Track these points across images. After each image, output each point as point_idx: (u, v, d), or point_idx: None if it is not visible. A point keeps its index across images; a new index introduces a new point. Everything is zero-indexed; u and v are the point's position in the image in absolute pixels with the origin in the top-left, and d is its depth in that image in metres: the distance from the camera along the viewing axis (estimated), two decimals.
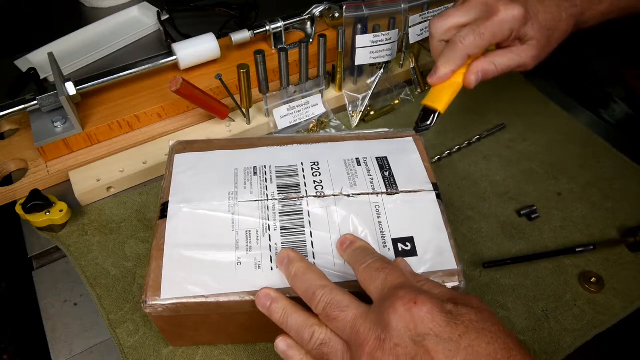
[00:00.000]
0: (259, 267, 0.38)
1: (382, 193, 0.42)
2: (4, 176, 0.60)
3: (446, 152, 0.61)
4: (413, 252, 0.39)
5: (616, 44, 0.74)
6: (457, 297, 0.32)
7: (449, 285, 0.37)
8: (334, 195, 0.42)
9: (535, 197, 0.56)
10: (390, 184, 0.43)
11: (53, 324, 0.47)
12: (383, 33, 0.61)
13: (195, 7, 0.82)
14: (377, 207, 0.41)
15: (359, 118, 0.65)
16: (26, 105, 0.57)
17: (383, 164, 0.45)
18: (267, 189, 0.42)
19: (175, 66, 0.65)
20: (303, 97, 0.63)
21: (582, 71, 0.74)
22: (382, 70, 0.65)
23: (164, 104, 0.62)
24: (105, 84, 0.61)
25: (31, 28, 0.86)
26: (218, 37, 0.66)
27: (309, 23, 0.71)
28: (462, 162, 0.60)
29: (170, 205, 0.41)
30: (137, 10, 0.83)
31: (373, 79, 0.66)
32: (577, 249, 0.50)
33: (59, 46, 0.75)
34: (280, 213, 0.41)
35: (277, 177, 0.44)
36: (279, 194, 0.42)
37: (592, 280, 0.48)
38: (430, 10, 0.64)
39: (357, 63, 0.63)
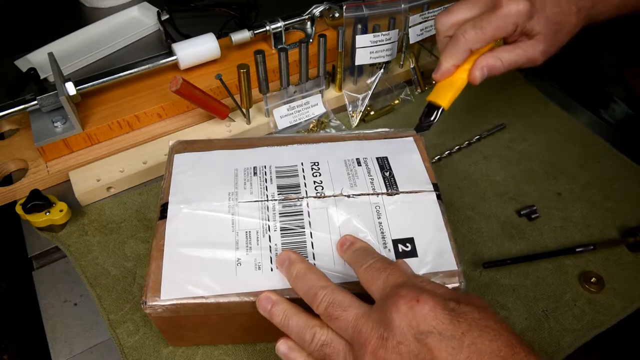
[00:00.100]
0: (259, 267, 0.38)
1: (383, 193, 0.42)
2: (4, 176, 0.60)
3: (446, 152, 0.61)
4: (413, 253, 0.39)
5: (617, 43, 0.74)
6: (459, 296, 0.32)
7: (450, 286, 0.37)
8: (334, 196, 0.42)
9: (535, 197, 0.56)
10: (391, 184, 0.43)
11: (53, 324, 0.47)
12: (383, 33, 0.61)
13: (195, 7, 0.82)
14: (378, 207, 0.41)
15: (359, 118, 0.65)
16: (26, 105, 0.57)
17: (383, 164, 0.45)
18: (267, 190, 0.42)
19: (175, 66, 0.65)
20: (303, 97, 0.63)
21: (582, 71, 0.74)
22: (382, 70, 0.65)
23: (164, 104, 0.62)
24: (105, 84, 0.61)
25: (31, 28, 0.86)
26: (218, 37, 0.66)
27: (309, 23, 0.71)
28: (462, 162, 0.60)
29: (170, 205, 0.41)
30: (137, 10, 0.83)
31: (373, 79, 0.66)
32: (577, 249, 0.50)
33: (59, 46, 0.75)
34: (280, 214, 0.41)
35: (277, 177, 0.44)
36: (279, 194, 0.42)
37: (592, 280, 0.48)
38: (431, 10, 0.64)
39: (357, 63, 0.63)
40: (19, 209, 0.51)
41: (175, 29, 0.78)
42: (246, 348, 0.44)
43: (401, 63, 0.70)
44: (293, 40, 0.72)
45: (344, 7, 0.60)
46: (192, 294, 0.37)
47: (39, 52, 0.73)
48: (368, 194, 0.42)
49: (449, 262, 0.39)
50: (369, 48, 0.62)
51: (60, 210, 0.52)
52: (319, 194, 0.42)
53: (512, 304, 0.47)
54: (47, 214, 0.51)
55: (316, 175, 0.44)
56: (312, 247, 0.39)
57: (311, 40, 0.71)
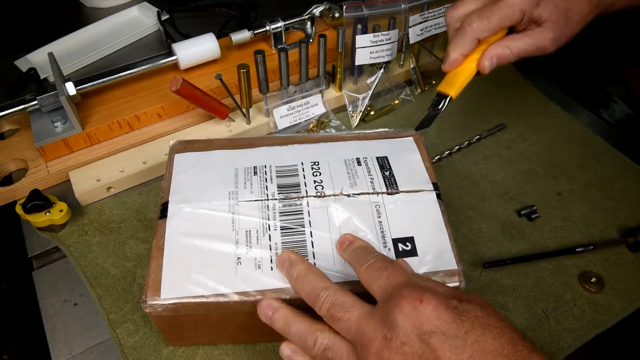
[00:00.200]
0: (259, 266, 0.38)
1: (383, 193, 0.42)
2: (4, 176, 0.60)
3: (446, 152, 0.61)
4: (413, 252, 0.39)
5: (617, 43, 0.74)
6: (460, 294, 0.32)
7: (450, 285, 0.37)
8: (334, 195, 0.42)
9: (535, 197, 0.56)
10: (391, 184, 0.43)
11: (53, 324, 0.47)
12: (383, 33, 0.61)
13: (195, 7, 0.82)
14: (378, 207, 0.41)
15: (359, 118, 0.65)
16: (26, 105, 0.57)
17: (383, 163, 0.45)
18: (267, 189, 0.42)
19: (175, 66, 0.65)
20: (303, 97, 0.63)
21: (582, 71, 0.74)
22: (382, 70, 0.65)
23: (164, 104, 0.62)
24: (105, 84, 0.61)
25: (31, 28, 0.86)
26: (218, 37, 0.66)
27: (309, 23, 0.71)
28: (462, 162, 0.60)
29: (170, 205, 0.41)
30: (137, 10, 0.83)
31: (373, 79, 0.66)
32: (577, 249, 0.50)
33: (59, 46, 0.75)
34: (280, 213, 0.41)
35: (277, 176, 0.44)
36: (279, 193, 0.42)
37: (592, 280, 0.48)
38: (431, 10, 0.64)
39: (357, 63, 0.63)
40: (19, 209, 0.51)
41: (175, 29, 0.78)
42: (246, 348, 0.44)
43: (401, 63, 0.70)
44: (293, 40, 0.72)
45: (344, 7, 0.60)
46: (192, 293, 0.37)
47: (39, 52, 0.73)
48: (368, 193, 0.42)
49: (449, 261, 0.39)
50: (369, 48, 0.62)
51: (60, 210, 0.52)
52: (319, 193, 0.42)
53: (512, 304, 0.47)
54: (47, 214, 0.51)
55: (316, 175, 0.44)
56: (312, 246, 0.39)
57: (311, 40, 0.71)
